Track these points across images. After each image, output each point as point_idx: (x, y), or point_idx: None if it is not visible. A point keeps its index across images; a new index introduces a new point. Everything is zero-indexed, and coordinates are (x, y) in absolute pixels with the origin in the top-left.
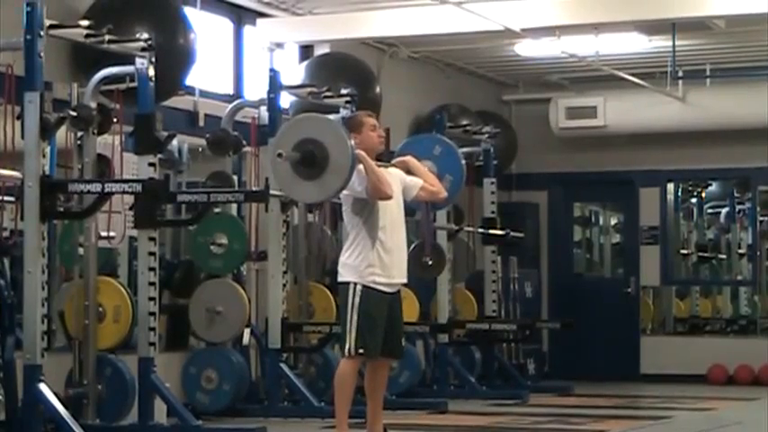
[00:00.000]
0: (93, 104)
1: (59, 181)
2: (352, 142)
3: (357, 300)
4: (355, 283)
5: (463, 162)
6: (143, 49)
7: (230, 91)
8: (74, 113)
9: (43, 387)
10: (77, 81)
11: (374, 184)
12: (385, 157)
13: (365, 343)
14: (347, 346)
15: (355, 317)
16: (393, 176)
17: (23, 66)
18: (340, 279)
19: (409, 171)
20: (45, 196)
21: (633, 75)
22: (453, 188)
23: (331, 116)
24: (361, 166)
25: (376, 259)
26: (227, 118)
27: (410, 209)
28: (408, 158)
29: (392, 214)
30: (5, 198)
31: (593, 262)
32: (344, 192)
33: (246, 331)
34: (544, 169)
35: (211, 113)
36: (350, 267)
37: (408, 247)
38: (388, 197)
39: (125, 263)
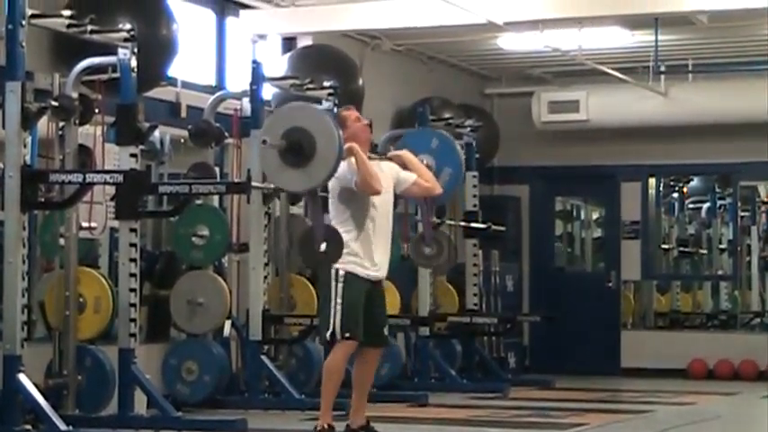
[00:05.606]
0: (75, 95)
1: (40, 171)
2: (341, 132)
3: (341, 286)
4: (337, 270)
5: (462, 156)
6: (125, 40)
7: (213, 82)
8: (55, 103)
9: (23, 377)
10: (59, 71)
11: (364, 178)
12: (378, 150)
13: (350, 327)
14: (330, 331)
15: (339, 303)
16: (385, 170)
17: (5, 55)
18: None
19: (405, 166)
20: (26, 186)
21: (616, 69)
22: (452, 181)
23: (319, 106)
24: (352, 159)
25: (359, 249)
26: (209, 109)
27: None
28: (404, 152)
29: (380, 207)
30: None
31: (574, 256)
32: (332, 182)
33: (227, 323)
34: (526, 163)
35: (193, 105)
36: None
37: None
38: (377, 192)
39: (106, 254)
